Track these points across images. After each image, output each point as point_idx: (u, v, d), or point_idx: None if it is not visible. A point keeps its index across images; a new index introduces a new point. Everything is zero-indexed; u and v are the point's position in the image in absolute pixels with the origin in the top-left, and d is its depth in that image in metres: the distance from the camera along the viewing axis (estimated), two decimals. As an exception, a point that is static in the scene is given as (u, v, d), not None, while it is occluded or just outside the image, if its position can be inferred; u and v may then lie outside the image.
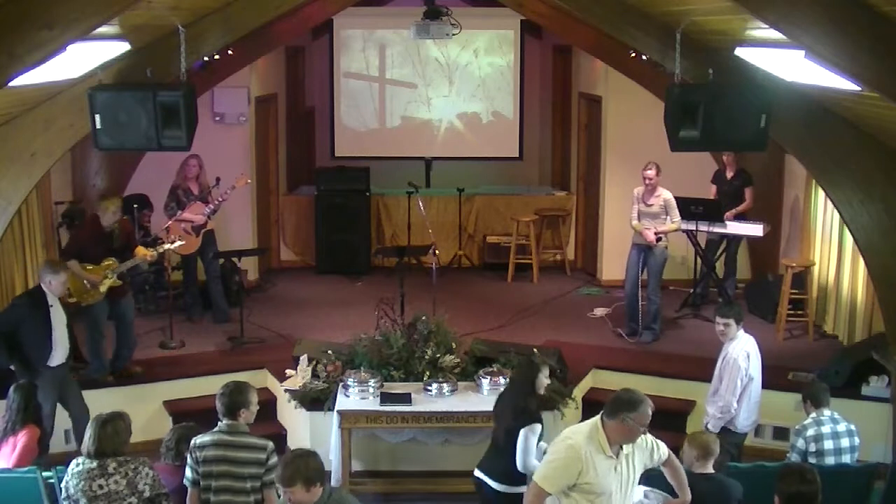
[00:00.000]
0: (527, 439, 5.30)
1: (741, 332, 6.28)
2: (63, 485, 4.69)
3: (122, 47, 5.93)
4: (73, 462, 4.65)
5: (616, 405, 4.23)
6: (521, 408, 5.42)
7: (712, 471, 5.07)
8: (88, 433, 4.62)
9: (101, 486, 4.50)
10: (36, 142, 6.40)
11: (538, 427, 5.36)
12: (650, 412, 4.23)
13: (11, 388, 5.84)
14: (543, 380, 5.56)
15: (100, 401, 6.86)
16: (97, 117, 5.60)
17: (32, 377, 6.43)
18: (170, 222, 8.99)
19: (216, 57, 8.17)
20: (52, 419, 6.63)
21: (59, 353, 6.72)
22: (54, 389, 6.70)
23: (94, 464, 4.54)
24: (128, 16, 5.32)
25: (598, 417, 4.29)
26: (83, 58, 5.35)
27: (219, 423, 4.77)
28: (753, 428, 6.51)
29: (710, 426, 6.26)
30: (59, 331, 6.69)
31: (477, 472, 5.56)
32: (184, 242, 8.46)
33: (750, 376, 6.18)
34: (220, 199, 9.10)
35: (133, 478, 4.55)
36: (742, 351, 6.20)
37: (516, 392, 5.59)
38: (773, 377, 7.25)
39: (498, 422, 5.61)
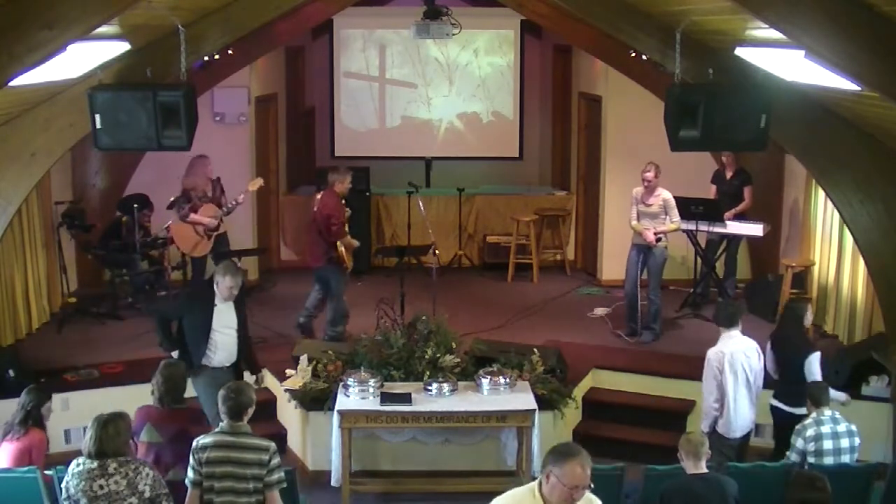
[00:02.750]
0: (811, 364, 6.30)
1: (734, 332, 6.22)
2: (63, 485, 4.68)
3: (122, 47, 5.94)
4: (74, 462, 4.64)
5: (546, 457, 3.70)
6: (801, 341, 6.56)
7: (706, 470, 5.07)
8: (89, 433, 4.61)
9: (101, 487, 4.50)
10: (36, 142, 6.40)
11: (818, 353, 6.40)
12: (585, 472, 3.57)
13: (24, 391, 5.76)
14: (809, 315, 6.82)
15: (100, 400, 6.85)
16: (97, 117, 5.61)
17: (191, 371, 6.35)
18: (169, 222, 8.98)
19: (216, 57, 8.17)
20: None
21: (220, 356, 6.45)
22: (215, 392, 6.18)
23: (95, 464, 4.54)
24: (128, 16, 5.33)
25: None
26: (83, 58, 5.36)
27: (220, 423, 4.80)
28: (746, 433, 6.38)
29: (701, 426, 6.28)
30: (221, 333, 6.43)
31: (772, 401, 6.51)
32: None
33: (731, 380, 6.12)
34: (236, 202, 8.94)
35: (133, 478, 4.54)
36: (718, 353, 6.15)
37: (791, 331, 6.63)
38: (774, 377, 7.26)
39: (781, 358, 6.55)
